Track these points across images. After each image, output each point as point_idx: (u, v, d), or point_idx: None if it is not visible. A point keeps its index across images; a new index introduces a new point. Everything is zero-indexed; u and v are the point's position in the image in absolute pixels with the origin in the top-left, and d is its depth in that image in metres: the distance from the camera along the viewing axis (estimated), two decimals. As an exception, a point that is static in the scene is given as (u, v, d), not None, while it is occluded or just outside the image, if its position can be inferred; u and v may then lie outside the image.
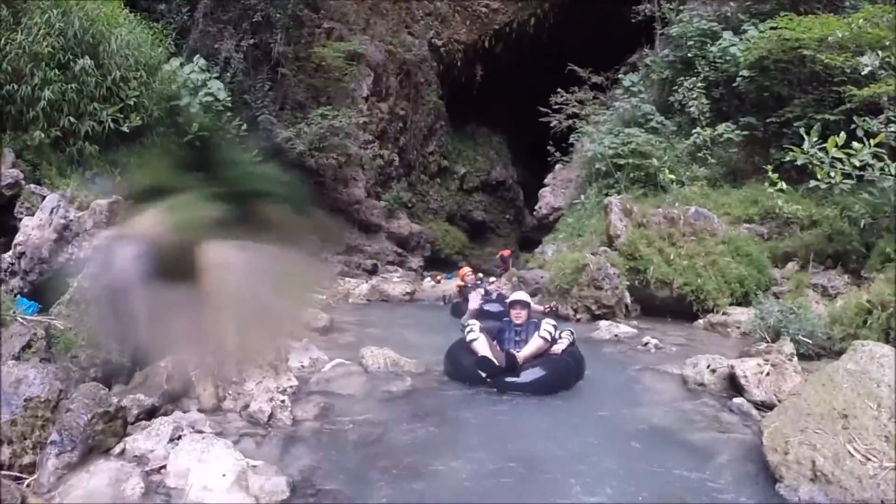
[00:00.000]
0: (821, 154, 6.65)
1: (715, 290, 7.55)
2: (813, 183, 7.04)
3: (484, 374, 4.39)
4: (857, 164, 6.43)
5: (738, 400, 4.09)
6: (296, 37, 16.57)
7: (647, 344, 6.09)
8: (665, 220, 8.60)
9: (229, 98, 11.92)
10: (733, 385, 4.34)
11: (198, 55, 12.53)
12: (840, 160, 6.49)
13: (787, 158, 7.43)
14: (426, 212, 21.16)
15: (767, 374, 4.11)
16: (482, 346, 4.51)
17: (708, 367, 4.58)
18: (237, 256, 5.73)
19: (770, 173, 8.64)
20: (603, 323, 7.16)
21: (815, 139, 6.77)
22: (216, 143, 9.54)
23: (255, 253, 5.82)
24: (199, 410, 4.10)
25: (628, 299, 8.22)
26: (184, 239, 5.77)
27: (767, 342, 5.27)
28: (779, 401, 3.89)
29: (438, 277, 15.13)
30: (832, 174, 6.80)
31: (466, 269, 10.69)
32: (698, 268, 7.78)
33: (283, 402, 3.90)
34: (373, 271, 15.77)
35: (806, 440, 2.99)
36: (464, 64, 22.36)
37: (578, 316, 8.07)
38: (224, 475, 2.90)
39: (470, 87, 22.67)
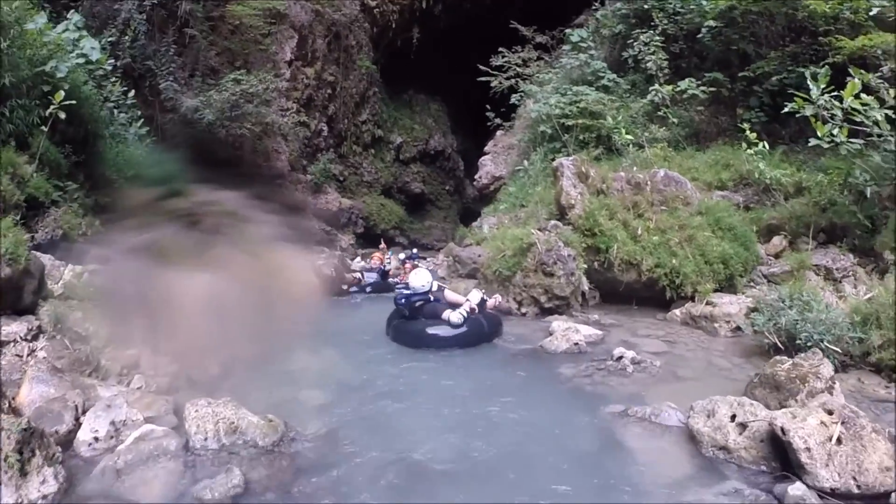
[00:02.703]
0: (835, 103, 5.21)
1: (694, 272, 6.07)
2: (813, 142, 5.62)
3: None
4: (880, 117, 5.06)
5: (794, 488, 2.41)
6: (208, -7, 14.29)
7: (620, 358, 4.39)
8: (629, 185, 7.03)
9: (110, 60, 9.76)
10: (778, 452, 2.70)
11: (73, 10, 10.12)
12: (858, 111, 5.09)
13: (787, 110, 5.88)
14: (360, 185, 19.36)
15: (839, 440, 2.52)
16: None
17: (733, 418, 2.89)
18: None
19: (748, 132, 7.26)
20: (557, 323, 5.46)
21: (824, 86, 5.34)
22: (87, 117, 7.54)
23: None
24: None
25: (586, 286, 6.64)
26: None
27: (784, 350, 3.82)
28: (858, 487, 2.38)
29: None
30: (835, 132, 5.41)
31: (378, 254, 11.34)
32: (672, 245, 6.29)
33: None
34: (294, 254, 13.81)
35: None
36: (399, 26, 20.63)
37: (524, 310, 6.44)
38: None
39: (406, 51, 20.98)
